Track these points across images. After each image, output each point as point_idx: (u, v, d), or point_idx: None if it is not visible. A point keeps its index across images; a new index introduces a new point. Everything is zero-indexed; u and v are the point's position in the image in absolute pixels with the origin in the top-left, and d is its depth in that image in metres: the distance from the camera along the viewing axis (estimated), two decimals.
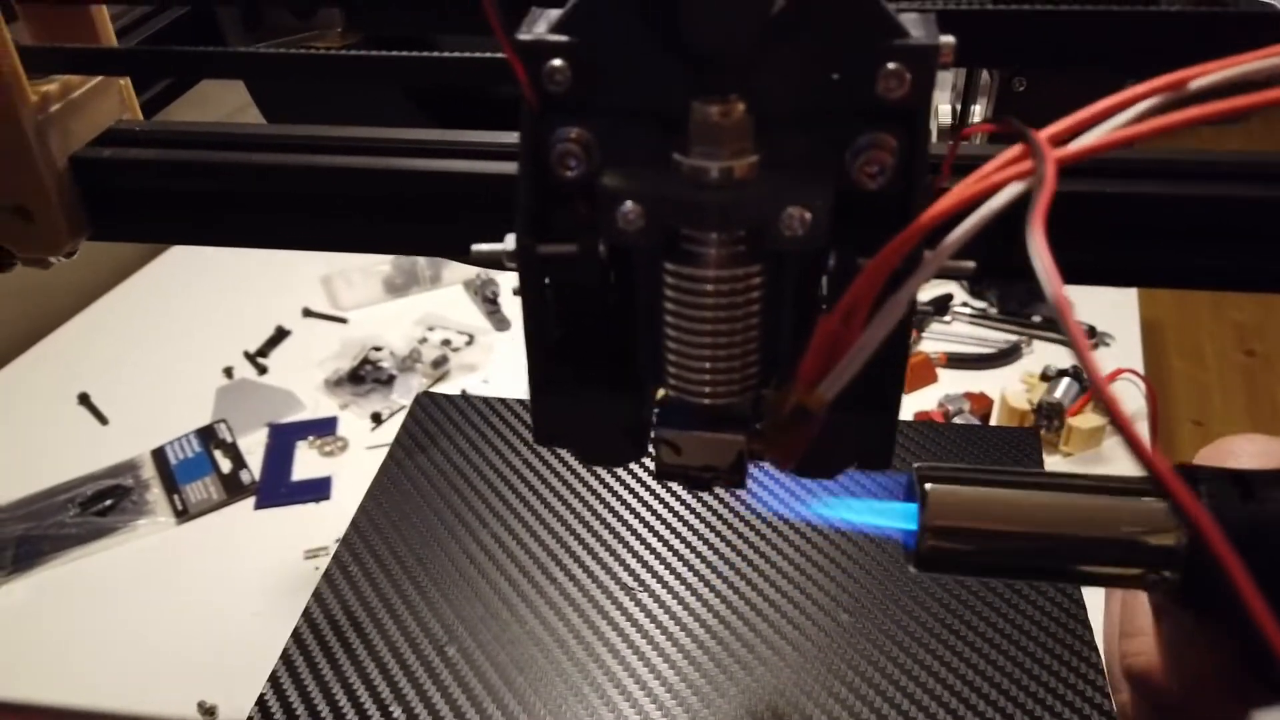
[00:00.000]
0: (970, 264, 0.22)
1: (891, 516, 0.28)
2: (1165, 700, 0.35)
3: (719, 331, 0.23)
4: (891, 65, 0.21)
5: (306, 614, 0.54)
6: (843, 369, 0.22)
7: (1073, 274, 0.26)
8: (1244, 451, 0.37)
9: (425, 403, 0.72)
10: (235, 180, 0.29)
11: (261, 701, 0.49)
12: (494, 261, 0.23)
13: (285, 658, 0.51)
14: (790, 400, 0.23)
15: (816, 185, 0.22)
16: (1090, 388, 0.91)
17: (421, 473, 0.64)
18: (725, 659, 0.50)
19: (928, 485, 0.28)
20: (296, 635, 0.53)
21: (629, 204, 0.22)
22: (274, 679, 0.50)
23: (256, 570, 0.78)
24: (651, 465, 0.26)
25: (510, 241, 0.23)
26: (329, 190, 0.29)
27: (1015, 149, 0.20)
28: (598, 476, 0.62)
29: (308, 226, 0.30)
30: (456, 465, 0.64)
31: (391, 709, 0.48)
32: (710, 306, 0.23)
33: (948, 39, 0.21)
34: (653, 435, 0.25)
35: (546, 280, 0.24)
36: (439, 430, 0.68)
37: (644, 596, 0.54)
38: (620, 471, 0.62)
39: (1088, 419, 0.87)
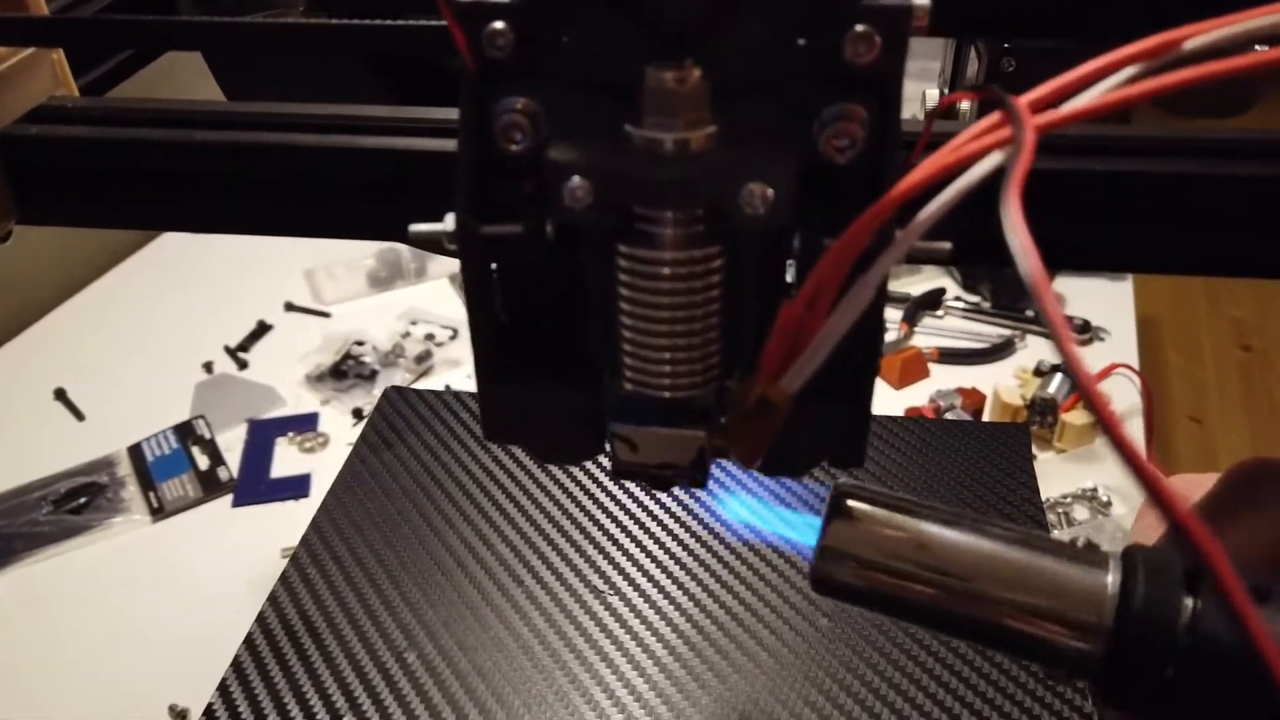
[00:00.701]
0: (945, 245, 0.20)
1: (802, 530, 0.27)
2: None
3: (677, 319, 0.22)
4: (860, 28, 0.19)
5: (260, 619, 0.52)
6: (807, 359, 0.20)
7: (1058, 257, 0.24)
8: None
9: (394, 397, 0.70)
10: (170, 159, 0.27)
11: (209, 713, 0.47)
12: (433, 243, 0.22)
13: (236, 666, 0.49)
14: (753, 392, 0.21)
15: (780, 159, 0.20)
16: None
17: (387, 470, 0.62)
18: (698, 666, 0.48)
19: (843, 502, 0.26)
20: (249, 642, 0.51)
21: (577, 179, 0.20)
22: (223, 688, 0.48)
23: (233, 570, 0.76)
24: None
25: (450, 222, 0.21)
26: (271, 170, 0.27)
27: (993, 116, 0.18)
28: (569, 474, 0.60)
29: (250, 208, 0.28)
30: (424, 462, 0.61)
31: None
32: (667, 292, 0.21)
33: (923, 1, 0.19)
34: (609, 431, 0.23)
35: (492, 264, 0.22)
36: (407, 426, 0.66)
37: (614, 600, 0.51)
38: (591, 468, 0.59)
39: (1082, 414, 0.86)
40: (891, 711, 0.43)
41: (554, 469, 0.60)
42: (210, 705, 0.47)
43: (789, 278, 0.23)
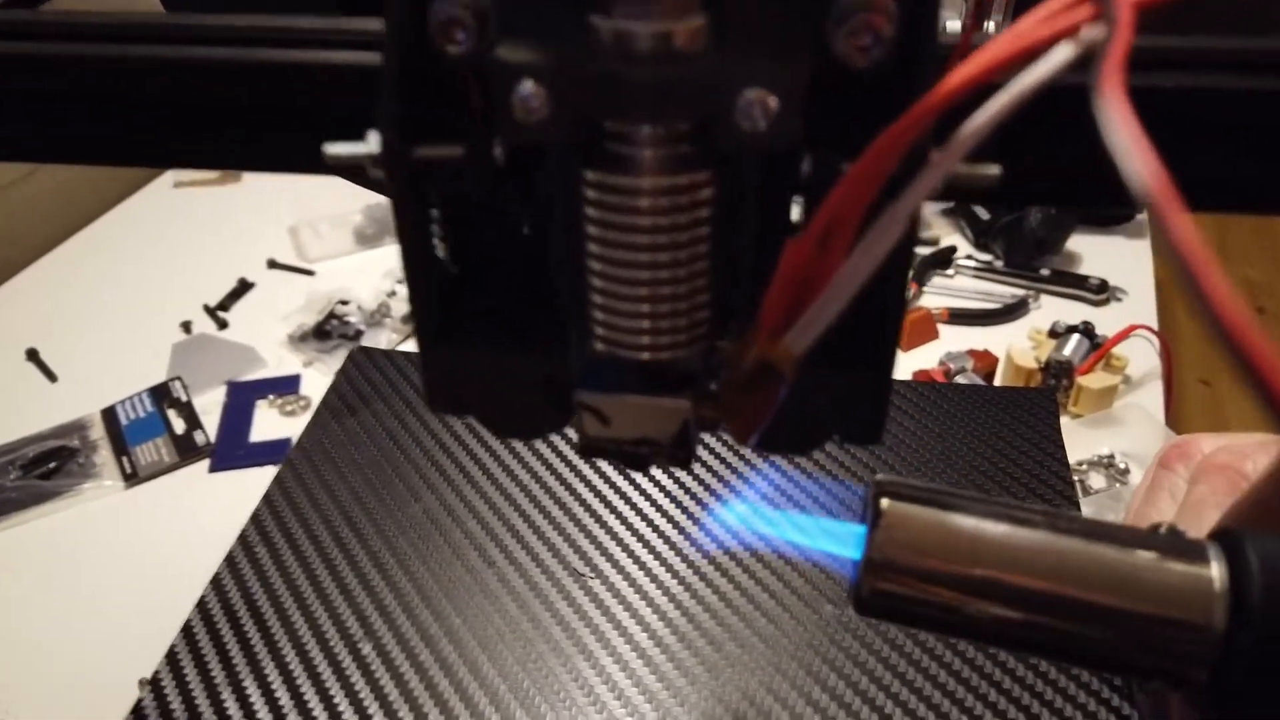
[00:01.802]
0: (994, 169, 0.16)
1: (838, 540, 0.22)
2: None
3: (658, 263, 0.18)
4: None
5: (201, 605, 0.48)
6: (817, 312, 0.16)
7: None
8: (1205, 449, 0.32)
9: (359, 359, 0.65)
10: (45, 78, 0.23)
11: (138, 710, 0.42)
12: (354, 169, 0.17)
13: (171, 657, 0.45)
14: (750, 354, 0.17)
15: (786, 61, 0.16)
16: (1102, 345, 0.85)
17: (349, 439, 0.57)
18: (687, 659, 0.42)
19: (884, 502, 0.22)
20: (187, 630, 0.46)
21: (530, 85, 0.16)
22: (154, 682, 0.43)
23: (210, 537, 0.72)
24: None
25: (374, 142, 0.17)
26: (168, 89, 0.22)
27: None
28: (549, 443, 0.55)
29: (144, 135, 0.23)
30: (389, 429, 0.57)
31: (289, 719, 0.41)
32: (645, 228, 0.17)
33: None
34: (575, 400, 0.19)
35: (430, 199, 0.18)
36: (373, 391, 0.61)
37: (595, 583, 0.46)
38: (572, 436, 0.54)
39: (1099, 378, 0.82)
40: (904, 711, 0.39)
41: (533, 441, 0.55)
42: (139, 703, 0.42)
43: (795, 215, 0.19)
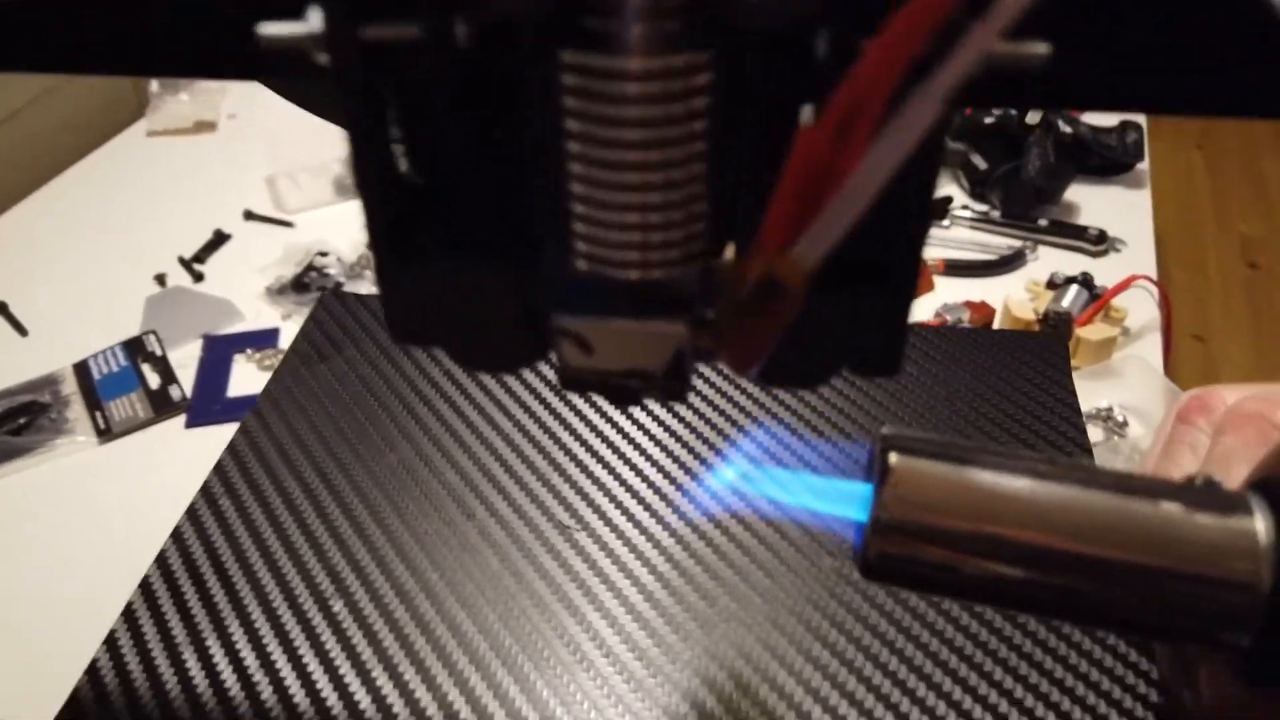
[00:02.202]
0: (1042, 47, 0.14)
1: (841, 500, 0.20)
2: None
3: (648, 162, 0.15)
4: None
5: (161, 560, 0.46)
6: (833, 217, 0.14)
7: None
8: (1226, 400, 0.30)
9: (331, 303, 0.62)
10: None
11: (93, 669, 0.40)
12: (293, 56, 0.15)
13: (128, 615, 0.42)
14: (753, 270, 0.15)
15: None
16: (1101, 296, 0.83)
17: (320, 386, 0.53)
18: (679, 614, 0.40)
19: (892, 457, 0.19)
20: (145, 587, 0.44)
21: None
22: (111, 642, 0.41)
23: (185, 494, 0.70)
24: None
25: (316, 20, 0.15)
26: None
27: None
28: (530, 389, 0.51)
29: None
30: (362, 377, 0.54)
31: (256, 681, 0.38)
32: (634, 121, 0.15)
33: None
34: (554, 326, 0.17)
35: (383, 92, 0.16)
36: (346, 336, 0.58)
37: (582, 537, 0.44)
38: (551, 376, 0.50)
39: (1098, 330, 0.80)
40: (909, 667, 0.37)
41: (511, 383, 0.52)
42: (94, 663, 0.40)
43: (806, 115, 0.17)
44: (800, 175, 0.13)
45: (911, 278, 0.16)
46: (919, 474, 0.19)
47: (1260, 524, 0.19)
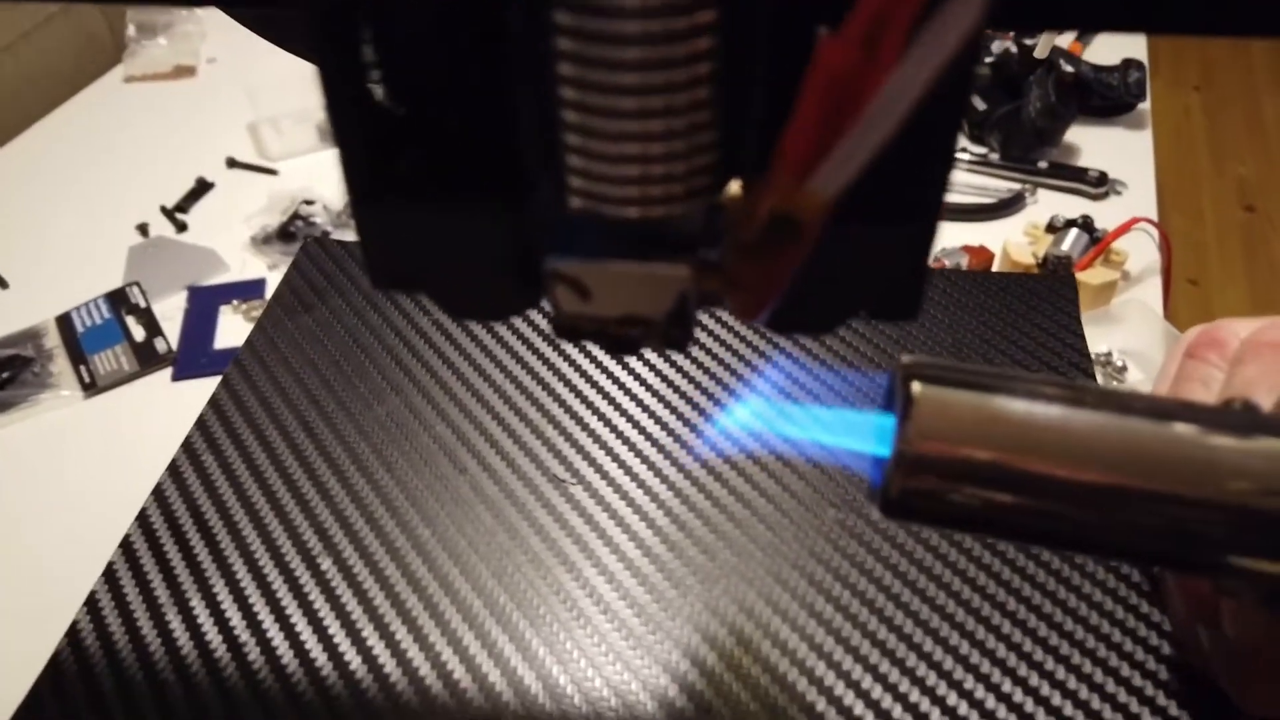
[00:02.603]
0: None
1: (858, 434, 0.19)
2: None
3: (650, 88, 0.14)
4: None
5: (142, 518, 0.45)
6: (856, 143, 0.12)
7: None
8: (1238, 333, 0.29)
9: (315, 251, 0.60)
10: None
11: (73, 631, 0.39)
12: None
13: (109, 575, 0.41)
14: (766, 205, 0.14)
15: None
16: (1101, 239, 0.82)
17: (304, 337, 0.51)
18: (678, 569, 0.39)
19: (915, 387, 0.18)
20: (126, 546, 0.42)
21: None
22: (91, 602, 0.40)
23: (173, 448, 0.69)
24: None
25: None
26: None
27: None
28: (521, 337, 0.49)
29: None
30: (348, 327, 0.52)
31: (243, 640, 0.37)
32: (634, 37, 0.13)
33: None
34: (546, 270, 0.16)
35: (356, 14, 0.14)
36: (329, 285, 0.56)
37: (578, 490, 0.42)
38: (544, 324, 0.48)
39: (1098, 274, 0.79)
40: (915, 621, 0.36)
41: (502, 332, 0.50)
42: (75, 624, 0.39)
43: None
44: (822, 93, 0.12)
45: (935, 213, 0.15)
46: (944, 404, 0.18)
47: None
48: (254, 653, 0.37)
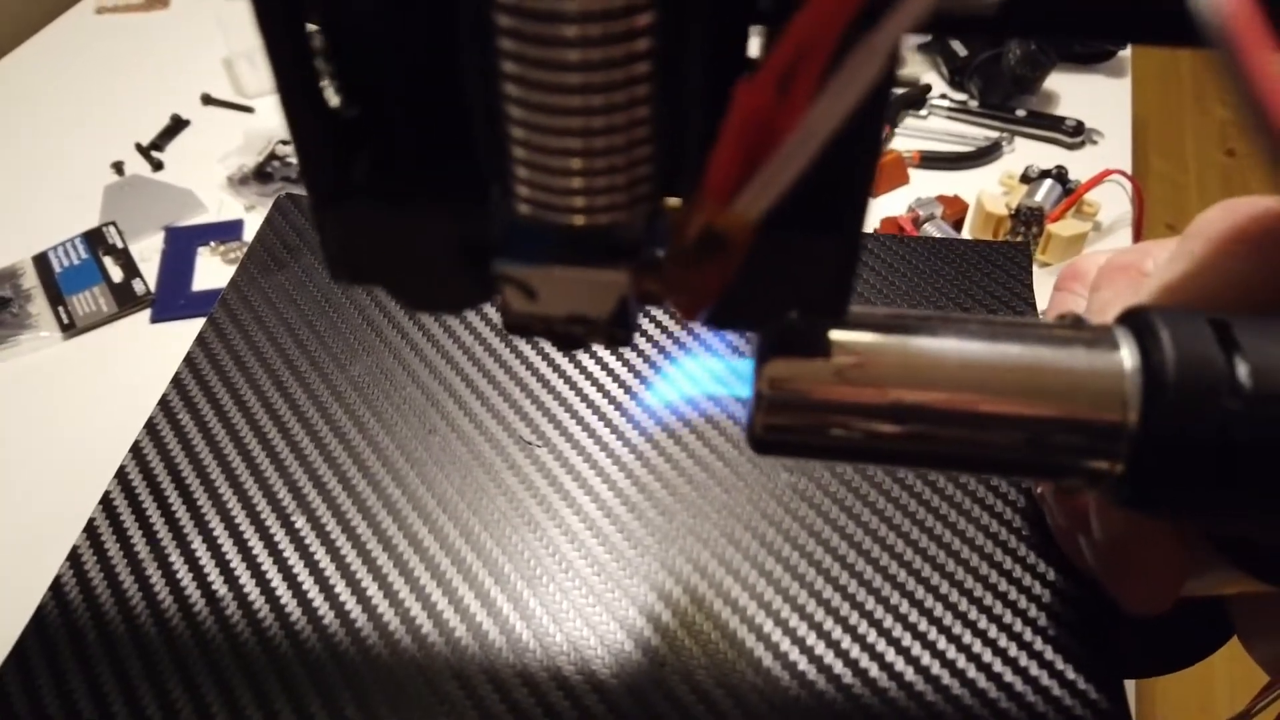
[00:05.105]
0: None
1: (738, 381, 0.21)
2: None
3: (591, 105, 0.15)
4: None
5: (121, 475, 0.46)
6: (775, 171, 0.13)
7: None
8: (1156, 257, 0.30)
9: (287, 207, 0.60)
10: None
11: (57, 586, 0.40)
12: None
13: (90, 530, 0.42)
14: (696, 221, 0.15)
15: None
16: (1075, 190, 0.83)
17: (278, 295, 0.51)
18: (637, 529, 0.41)
19: (775, 332, 0.20)
20: (106, 502, 0.43)
21: None
22: (74, 557, 0.41)
23: (154, 389, 0.70)
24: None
25: None
26: None
27: None
28: (491, 302, 0.50)
29: None
30: (321, 286, 0.52)
31: (221, 596, 0.39)
32: (574, 40, 0.14)
33: None
34: (495, 273, 0.17)
35: (308, 16, 0.15)
36: (302, 241, 0.56)
37: (543, 453, 0.44)
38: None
39: (1069, 225, 0.80)
40: (859, 581, 0.38)
41: None
42: (58, 579, 0.40)
43: (755, 51, 0.16)
44: (740, 130, 0.13)
45: (858, 221, 0.16)
46: (797, 343, 0.20)
47: (1125, 350, 0.19)
48: (231, 606, 0.38)
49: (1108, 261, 0.30)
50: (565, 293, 0.16)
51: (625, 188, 0.16)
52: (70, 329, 0.76)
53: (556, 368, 0.47)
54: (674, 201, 0.16)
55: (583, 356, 0.46)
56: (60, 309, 0.78)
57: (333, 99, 0.17)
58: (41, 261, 0.82)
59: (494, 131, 0.16)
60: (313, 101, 0.15)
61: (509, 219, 0.16)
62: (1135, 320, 0.20)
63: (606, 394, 0.46)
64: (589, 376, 0.46)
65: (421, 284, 0.18)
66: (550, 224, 0.16)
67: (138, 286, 0.79)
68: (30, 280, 0.81)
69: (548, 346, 0.49)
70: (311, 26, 0.15)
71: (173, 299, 0.79)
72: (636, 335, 0.48)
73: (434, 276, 0.17)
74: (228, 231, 0.85)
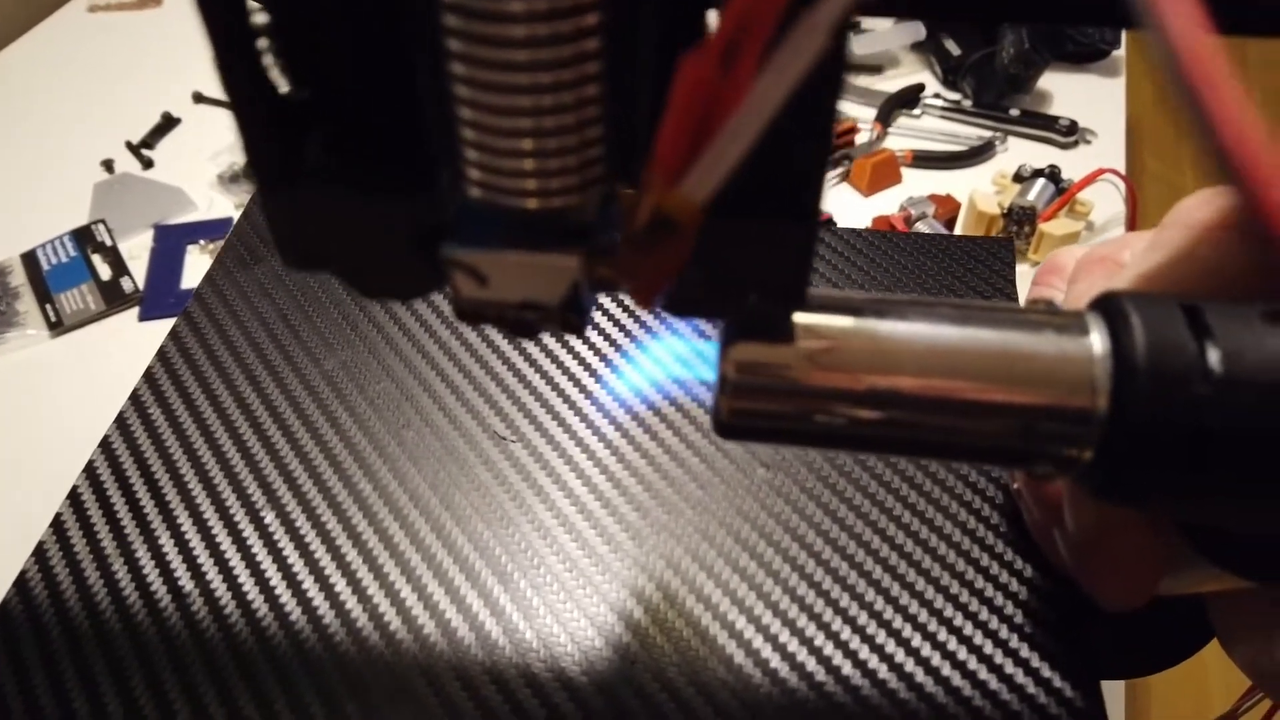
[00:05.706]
0: None
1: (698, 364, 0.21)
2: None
3: (540, 85, 0.14)
4: None
5: (89, 470, 0.45)
6: (720, 150, 0.13)
7: None
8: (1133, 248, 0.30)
9: None
10: None
11: (21, 581, 0.39)
12: None
13: (56, 526, 0.41)
14: (647, 204, 0.14)
15: None
16: (1068, 190, 0.83)
17: (254, 289, 0.51)
18: (611, 525, 0.40)
19: (741, 316, 0.19)
20: (74, 497, 0.43)
21: None
22: (40, 553, 0.40)
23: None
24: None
25: None
26: None
27: None
28: None
29: None
30: (297, 280, 0.52)
31: (187, 592, 0.38)
32: (520, 16, 0.14)
33: None
34: (443, 257, 0.16)
35: None
36: None
37: (517, 448, 0.43)
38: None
39: (1061, 224, 0.79)
40: (834, 578, 0.38)
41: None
42: (23, 574, 0.39)
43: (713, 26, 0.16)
44: (685, 106, 0.13)
45: (814, 207, 0.16)
46: (761, 327, 0.20)
47: (1095, 335, 0.19)
48: (197, 602, 0.38)
49: (1086, 254, 0.30)
50: (516, 278, 0.16)
51: (577, 169, 0.15)
52: (58, 327, 0.76)
53: (532, 362, 0.46)
54: (631, 192, 0.16)
55: (558, 350, 0.45)
56: (48, 307, 0.77)
57: (282, 82, 0.16)
58: (30, 259, 0.81)
59: (443, 112, 0.15)
60: (255, 83, 0.15)
61: (460, 202, 0.16)
62: (1107, 305, 0.19)
63: (582, 388, 0.45)
64: (564, 370, 0.46)
65: (373, 270, 0.17)
66: (502, 207, 0.16)
67: (126, 284, 0.79)
68: (18, 278, 0.80)
69: (523, 341, 0.49)
70: (254, 4, 0.15)
71: (161, 297, 0.79)
72: (611, 328, 0.47)
73: (385, 262, 0.17)
74: (217, 230, 0.84)
